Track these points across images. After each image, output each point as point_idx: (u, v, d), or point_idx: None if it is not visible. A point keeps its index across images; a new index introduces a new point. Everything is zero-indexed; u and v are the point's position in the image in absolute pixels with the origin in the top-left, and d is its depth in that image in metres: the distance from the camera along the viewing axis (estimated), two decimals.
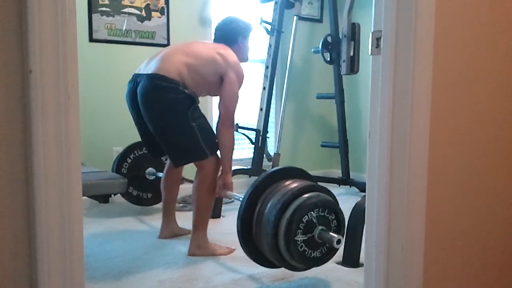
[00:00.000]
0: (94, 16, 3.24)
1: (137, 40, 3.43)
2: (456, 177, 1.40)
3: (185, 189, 3.14)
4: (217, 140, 2.26)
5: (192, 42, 2.37)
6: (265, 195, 1.84)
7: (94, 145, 3.32)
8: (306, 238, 1.70)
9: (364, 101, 4.21)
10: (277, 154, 3.60)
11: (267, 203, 1.79)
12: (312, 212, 1.70)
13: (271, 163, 3.57)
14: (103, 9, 3.28)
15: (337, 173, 4.03)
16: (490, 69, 1.43)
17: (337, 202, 1.83)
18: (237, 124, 3.27)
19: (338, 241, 1.68)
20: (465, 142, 1.41)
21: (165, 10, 3.52)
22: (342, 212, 1.80)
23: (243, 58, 2.45)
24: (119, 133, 3.32)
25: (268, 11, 3.63)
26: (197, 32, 3.64)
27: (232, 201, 3.44)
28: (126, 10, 3.37)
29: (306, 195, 1.74)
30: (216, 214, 3.01)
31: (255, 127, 3.46)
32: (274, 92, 3.72)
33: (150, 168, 3.02)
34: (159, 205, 2.62)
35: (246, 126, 3.43)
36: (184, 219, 2.71)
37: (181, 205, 3.23)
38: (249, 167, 3.44)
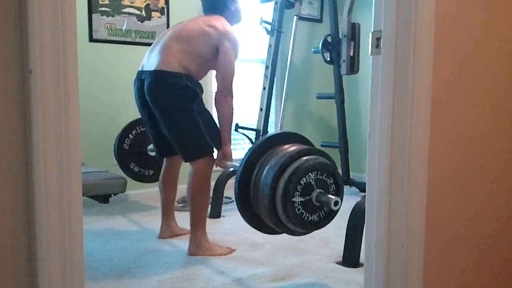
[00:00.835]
0: (94, 16, 3.25)
1: (137, 40, 3.43)
2: (456, 177, 1.40)
3: (185, 189, 3.14)
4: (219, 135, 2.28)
5: (183, 23, 2.32)
6: (263, 159, 1.81)
7: (94, 145, 3.32)
8: (303, 200, 1.67)
9: (364, 101, 4.21)
10: None
11: (265, 166, 1.77)
12: (310, 174, 1.67)
13: None
14: (103, 9, 3.28)
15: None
16: (490, 69, 1.43)
17: (336, 167, 1.80)
18: (237, 124, 3.28)
19: (336, 203, 1.66)
20: (465, 142, 1.41)
21: (165, 10, 3.52)
22: (341, 177, 1.78)
23: (238, 20, 2.44)
24: None
25: (268, 11, 3.63)
26: None
27: (232, 201, 3.44)
28: (126, 10, 3.37)
29: (304, 158, 1.71)
30: (216, 214, 3.01)
31: (255, 127, 3.46)
32: (274, 92, 3.72)
33: (151, 145, 2.97)
34: (158, 204, 2.63)
35: (246, 126, 3.43)
36: (184, 219, 2.71)
37: (180, 205, 3.23)
38: None
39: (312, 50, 3.68)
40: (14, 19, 0.95)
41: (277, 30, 3.51)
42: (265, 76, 3.53)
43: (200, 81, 2.28)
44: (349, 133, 3.84)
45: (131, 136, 3.01)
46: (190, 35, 2.22)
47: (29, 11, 0.94)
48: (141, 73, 2.28)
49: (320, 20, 4.38)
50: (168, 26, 3.53)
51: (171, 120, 2.21)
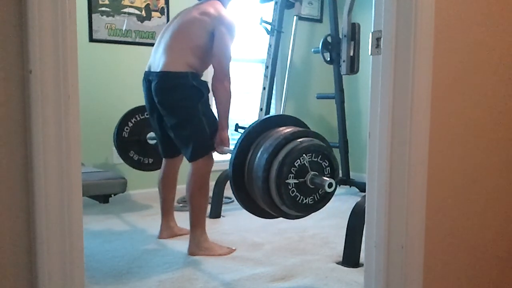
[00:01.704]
0: (94, 16, 3.24)
1: (137, 40, 3.43)
2: (456, 177, 1.40)
3: (184, 189, 3.14)
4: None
5: (181, 17, 2.30)
6: (258, 141, 1.80)
7: (94, 145, 3.32)
8: (297, 182, 1.65)
9: (364, 101, 4.21)
10: None
11: (259, 148, 1.75)
12: (304, 156, 1.65)
13: None
14: (103, 9, 3.28)
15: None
16: (490, 69, 1.43)
17: (332, 150, 1.79)
18: (236, 124, 3.28)
19: (330, 185, 1.64)
20: (465, 142, 1.41)
21: (165, 10, 3.52)
22: (336, 160, 1.76)
23: None
24: None
25: (268, 11, 3.63)
26: None
27: (232, 201, 3.44)
28: (126, 10, 3.37)
29: (299, 140, 1.69)
30: (216, 214, 3.01)
31: None
32: (274, 92, 3.72)
33: (151, 133, 2.98)
34: (158, 204, 2.63)
35: (246, 126, 3.43)
36: (184, 219, 2.70)
37: (180, 205, 3.23)
38: None
39: (312, 50, 3.68)
40: (14, 19, 0.95)
41: (277, 30, 3.51)
42: (265, 76, 3.53)
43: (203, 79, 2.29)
44: (349, 133, 3.83)
45: (130, 125, 2.99)
46: (189, 30, 2.22)
47: (29, 11, 0.94)
48: (148, 74, 2.30)
49: (320, 20, 4.38)
50: None
51: (176, 119, 2.22)
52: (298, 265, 2.12)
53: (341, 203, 3.35)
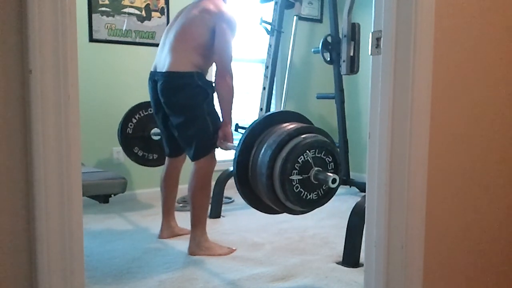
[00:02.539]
0: (94, 16, 3.24)
1: (137, 40, 3.43)
2: (456, 176, 1.40)
3: (185, 189, 3.14)
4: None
5: (183, 16, 2.30)
6: (261, 138, 1.80)
7: (94, 145, 3.32)
8: (301, 178, 1.66)
9: (364, 101, 4.21)
10: None
11: (263, 145, 1.76)
12: (308, 152, 1.66)
13: None
14: (103, 9, 3.28)
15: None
16: (490, 69, 1.43)
17: (335, 146, 1.79)
18: (237, 124, 3.27)
19: (334, 181, 1.64)
20: (465, 142, 1.41)
21: (165, 10, 3.52)
22: (340, 155, 1.76)
23: None
24: None
25: (268, 11, 3.63)
26: None
27: (232, 201, 3.44)
28: (126, 10, 3.37)
29: (302, 136, 1.70)
30: (216, 214, 3.01)
31: None
32: (274, 92, 3.71)
33: (155, 129, 2.98)
34: (158, 203, 2.63)
35: (246, 126, 3.43)
36: (184, 219, 2.71)
37: (181, 205, 3.23)
38: None
39: (312, 50, 3.68)
40: (14, 19, 0.95)
41: (277, 30, 3.51)
42: (265, 76, 3.53)
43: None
44: (349, 133, 3.83)
45: (134, 121, 2.99)
46: (191, 29, 2.23)
47: (29, 11, 0.94)
48: (153, 74, 2.32)
49: (320, 20, 4.38)
50: None
51: (182, 119, 2.23)
52: (298, 265, 2.12)
53: (341, 203, 3.35)
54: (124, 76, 3.41)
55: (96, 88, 3.30)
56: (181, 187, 2.63)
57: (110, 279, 1.96)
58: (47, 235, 0.99)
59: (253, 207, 1.89)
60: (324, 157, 1.71)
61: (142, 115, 3.01)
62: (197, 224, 2.29)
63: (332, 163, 1.74)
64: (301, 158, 1.66)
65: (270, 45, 3.55)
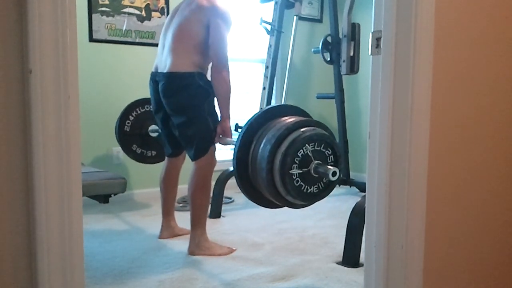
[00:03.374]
0: (94, 16, 3.24)
1: (137, 40, 3.43)
2: (456, 177, 1.40)
3: (185, 189, 3.14)
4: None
5: (176, 16, 2.30)
6: (260, 132, 1.80)
7: (94, 145, 3.32)
8: (301, 172, 1.66)
9: (364, 101, 4.21)
10: None
11: (262, 139, 1.76)
12: (307, 146, 1.66)
13: None
14: (103, 9, 3.28)
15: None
16: (490, 69, 1.43)
17: (334, 138, 1.79)
18: (236, 124, 3.27)
19: (334, 173, 1.64)
20: (465, 142, 1.41)
21: (165, 10, 3.52)
22: (339, 148, 1.77)
23: None
24: None
25: (268, 11, 3.63)
26: None
27: (232, 201, 3.44)
28: (126, 10, 3.37)
29: (301, 130, 1.70)
30: (216, 214, 3.01)
31: None
32: (274, 92, 3.72)
33: (153, 125, 2.98)
34: (158, 203, 2.63)
35: None
36: (184, 220, 2.71)
37: (181, 205, 3.23)
38: None
39: (312, 50, 3.68)
40: (14, 19, 0.95)
41: (277, 30, 3.51)
42: (265, 76, 3.53)
43: None
44: (349, 133, 3.83)
45: (131, 118, 2.99)
46: (188, 28, 2.22)
47: (29, 11, 0.94)
48: (154, 75, 2.33)
49: (320, 20, 4.38)
50: None
51: (183, 119, 2.24)
52: (298, 265, 2.12)
53: (341, 203, 3.35)
54: (124, 76, 3.41)
55: (96, 88, 3.30)
56: (181, 187, 2.63)
57: (110, 279, 1.96)
58: (47, 235, 0.99)
59: (254, 202, 1.89)
60: (324, 150, 1.71)
61: (139, 112, 3.01)
62: (197, 224, 2.29)
63: (332, 156, 1.74)
64: (301, 152, 1.66)
65: (270, 45, 3.55)
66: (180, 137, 2.30)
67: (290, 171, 1.64)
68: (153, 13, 3.48)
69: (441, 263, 1.40)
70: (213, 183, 2.96)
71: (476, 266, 1.50)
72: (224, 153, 3.85)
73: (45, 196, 0.98)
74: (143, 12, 3.43)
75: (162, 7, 3.51)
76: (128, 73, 3.41)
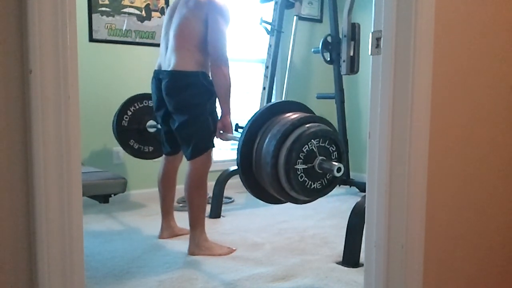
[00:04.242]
0: (94, 16, 3.24)
1: (137, 40, 3.43)
2: (456, 177, 1.40)
3: (183, 189, 3.14)
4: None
5: (175, 15, 2.28)
6: (265, 128, 1.81)
7: (94, 145, 3.32)
8: (306, 167, 1.68)
9: (364, 101, 4.21)
10: None
11: (267, 135, 1.77)
12: (312, 141, 1.67)
13: None
14: (103, 9, 3.28)
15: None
16: (490, 69, 1.43)
17: (338, 134, 1.80)
18: (237, 124, 3.27)
19: (339, 169, 1.66)
20: (465, 142, 1.41)
21: (165, 10, 3.52)
22: (343, 144, 1.78)
23: None
24: None
25: (268, 11, 3.63)
26: None
27: (232, 201, 3.44)
28: (126, 10, 3.37)
29: (306, 125, 1.71)
30: (216, 214, 3.01)
31: None
32: (274, 92, 3.72)
33: (150, 121, 2.97)
34: (157, 203, 2.63)
35: None
36: (184, 220, 2.70)
37: (180, 205, 3.23)
38: None
39: (312, 50, 3.68)
40: (14, 19, 0.95)
41: (277, 30, 3.51)
42: (265, 76, 3.53)
43: None
44: (349, 133, 3.83)
45: (129, 113, 2.98)
46: (188, 28, 2.21)
47: (29, 11, 0.94)
48: (158, 73, 2.33)
49: (320, 20, 4.38)
50: None
51: (185, 117, 2.23)
52: (298, 265, 2.12)
53: (341, 203, 3.35)
54: (124, 76, 3.41)
55: (96, 88, 3.30)
56: (180, 187, 2.63)
57: (110, 279, 1.96)
58: (47, 235, 0.99)
59: (257, 197, 1.90)
60: (328, 146, 1.73)
61: (137, 107, 3.00)
62: (196, 224, 2.29)
63: (336, 152, 1.75)
64: (306, 147, 1.67)
65: (270, 45, 3.55)
66: (179, 136, 2.30)
67: (295, 166, 1.65)
68: (153, 13, 3.48)
69: (441, 263, 1.40)
70: (212, 183, 2.96)
71: (476, 266, 1.50)
72: (224, 153, 3.85)
73: (45, 196, 0.98)
74: (143, 12, 3.43)
75: (162, 7, 3.51)
76: (128, 73, 3.41)
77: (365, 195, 1.44)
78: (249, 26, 3.91)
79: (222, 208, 3.08)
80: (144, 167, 3.42)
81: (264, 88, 3.52)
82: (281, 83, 3.99)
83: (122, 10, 3.35)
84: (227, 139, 2.30)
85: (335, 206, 3.25)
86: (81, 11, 3.17)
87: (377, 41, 1.29)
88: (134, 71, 3.41)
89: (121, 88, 3.39)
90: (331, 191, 1.79)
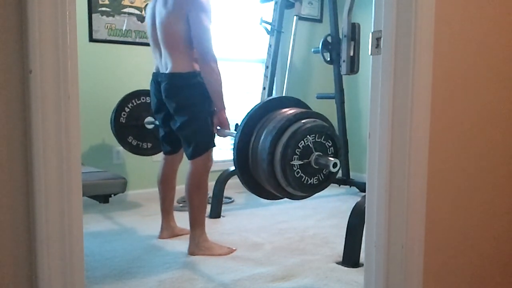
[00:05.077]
0: (94, 16, 3.24)
1: (137, 40, 3.43)
2: (456, 177, 1.40)
3: (183, 189, 3.14)
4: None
5: (157, 18, 2.25)
6: (261, 124, 1.81)
7: (94, 145, 3.32)
8: (302, 163, 1.67)
9: (364, 101, 4.21)
10: None
11: (263, 131, 1.77)
12: (308, 137, 1.67)
13: None
14: (103, 9, 3.28)
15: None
16: (490, 69, 1.43)
17: (334, 130, 1.80)
18: (237, 124, 3.27)
19: (334, 165, 1.66)
20: (465, 142, 1.41)
21: None
22: (340, 139, 1.78)
23: None
24: None
25: (268, 11, 3.63)
26: None
27: (232, 201, 3.44)
28: (126, 10, 3.37)
29: (302, 121, 1.71)
30: (216, 214, 3.01)
31: None
32: (274, 92, 3.71)
33: (149, 117, 2.97)
34: (157, 203, 2.63)
35: None
36: (184, 220, 2.70)
37: (180, 205, 3.23)
38: None
39: (312, 50, 3.68)
40: (14, 19, 0.95)
41: (277, 30, 3.51)
42: (265, 76, 3.52)
43: None
44: (349, 133, 3.83)
45: (127, 110, 2.98)
46: (173, 31, 2.18)
47: (29, 11, 0.94)
48: (156, 75, 2.34)
49: (320, 20, 4.38)
50: None
51: (185, 118, 2.24)
52: (298, 265, 2.12)
53: (341, 203, 3.35)
54: (124, 76, 3.41)
55: (96, 88, 3.30)
56: (180, 187, 2.63)
57: (110, 279, 1.96)
58: (47, 235, 0.99)
59: (254, 194, 1.90)
60: (324, 141, 1.73)
61: (135, 104, 3.00)
62: (196, 224, 2.29)
63: (332, 148, 1.75)
64: (302, 143, 1.67)
65: (270, 45, 3.55)
66: (181, 136, 2.30)
67: (291, 162, 1.65)
68: None
69: (441, 263, 1.41)
70: (212, 183, 2.96)
71: (476, 266, 1.50)
72: (224, 153, 3.85)
73: (45, 196, 0.98)
74: (143, 12, 3.43)
75: None
76: (128, 73, 3.41)
77: (365, 195, 1.44)
78: (249, 26, 3.91)
79: (222, 208, 3.08)
80: (144, 167, 3.42)
81: (264, 88, 3.52)
82: (281, 83, 3.99)
83: (122, 10, 3.35)
84: (224, 135, 2.30)
85: (335, 206, 3.25)
86: (81, 11, 3.17)
87: (377, 41, 1.29)
88: (134, 71, 3.41)
89: (121, 88, 3.38)
90: (327, 186, 1.79)
